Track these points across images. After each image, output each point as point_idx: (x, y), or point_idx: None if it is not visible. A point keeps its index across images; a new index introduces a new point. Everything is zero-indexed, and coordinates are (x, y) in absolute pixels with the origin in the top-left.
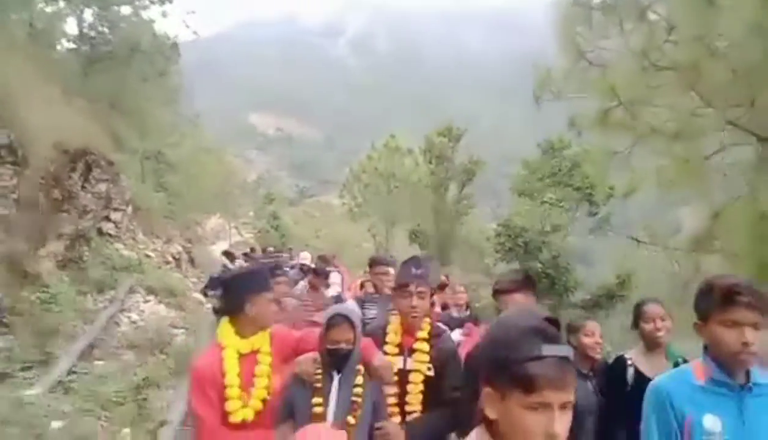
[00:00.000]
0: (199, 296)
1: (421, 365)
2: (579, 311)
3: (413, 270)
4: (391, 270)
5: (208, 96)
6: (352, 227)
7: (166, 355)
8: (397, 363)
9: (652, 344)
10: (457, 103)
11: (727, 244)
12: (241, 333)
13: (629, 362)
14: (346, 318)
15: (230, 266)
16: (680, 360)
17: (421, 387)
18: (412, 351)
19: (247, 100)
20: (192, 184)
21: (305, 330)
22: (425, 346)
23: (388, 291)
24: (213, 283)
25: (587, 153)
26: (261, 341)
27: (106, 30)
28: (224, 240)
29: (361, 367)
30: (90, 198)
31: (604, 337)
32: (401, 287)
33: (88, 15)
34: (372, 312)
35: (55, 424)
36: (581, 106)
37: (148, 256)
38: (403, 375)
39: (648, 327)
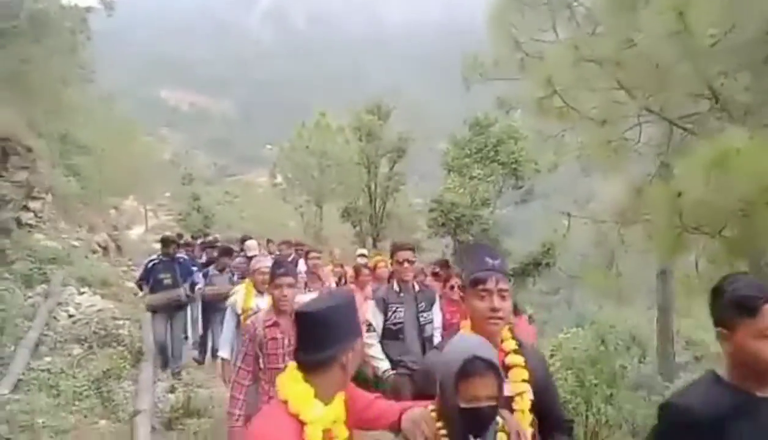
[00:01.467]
0: (133, 285)
1: (523, 386)
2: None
3: (489, 260)
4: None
5: (114, 68)
6: (277, 206)
7: (123, 347)
8: None
9: None
10: (378, 78)
11: (649, 217)
12: (323, 396)
13: None
14: (490, 366)
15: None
16: None
17: (530, 417)
18: (506, 369)
19: (156, 72)
20: (104, 165)
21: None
22: (521, 360)
23: (412, 284)
24: (147, 274)
25: (514, 130)
26: (340, 407)
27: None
28: (140, 224)
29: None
30: (9, 187)
31: (526, 302)
32: (475, 284)
33: None
34: (400, 314)
35: (39, 420)
36: (509, 87)
37: (74, 246)
38: (504, 405)
39: None
